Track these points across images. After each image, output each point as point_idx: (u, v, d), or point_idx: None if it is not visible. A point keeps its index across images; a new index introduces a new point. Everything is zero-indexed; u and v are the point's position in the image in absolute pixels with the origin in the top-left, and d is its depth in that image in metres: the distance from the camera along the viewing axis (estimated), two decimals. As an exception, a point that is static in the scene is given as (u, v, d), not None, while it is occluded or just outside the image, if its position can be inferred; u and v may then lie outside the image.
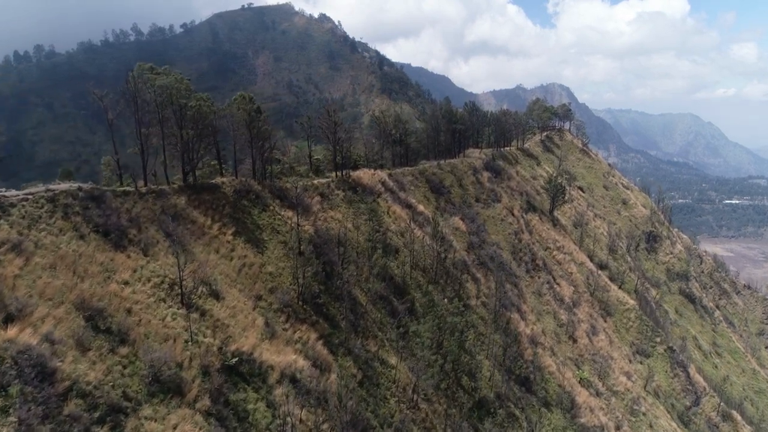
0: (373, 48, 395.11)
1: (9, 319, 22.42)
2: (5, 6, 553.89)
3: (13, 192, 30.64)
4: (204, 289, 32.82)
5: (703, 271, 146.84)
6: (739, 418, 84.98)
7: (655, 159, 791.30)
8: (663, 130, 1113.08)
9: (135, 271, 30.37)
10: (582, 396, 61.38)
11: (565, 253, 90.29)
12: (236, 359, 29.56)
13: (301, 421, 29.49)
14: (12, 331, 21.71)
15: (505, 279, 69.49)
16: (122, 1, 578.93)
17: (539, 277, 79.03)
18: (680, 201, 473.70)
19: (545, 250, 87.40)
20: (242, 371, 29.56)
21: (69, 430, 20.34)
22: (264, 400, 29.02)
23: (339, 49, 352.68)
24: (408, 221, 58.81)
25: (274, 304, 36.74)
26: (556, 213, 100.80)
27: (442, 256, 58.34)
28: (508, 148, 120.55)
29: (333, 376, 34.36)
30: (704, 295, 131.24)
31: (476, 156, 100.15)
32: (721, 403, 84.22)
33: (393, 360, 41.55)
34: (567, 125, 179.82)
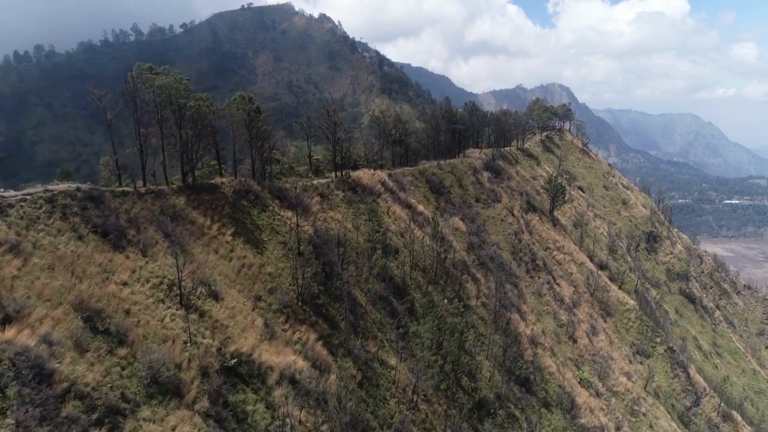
0: (373, 48, 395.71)
1: (7, 320, 22.33)
2: (5, 6, 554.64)
3: (12, 192, 30.53)
4: (203, 290, 32.74)
5: (703, 272, 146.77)
6: (739, 418, 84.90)
7: (655, 159, 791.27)
8: (663, 130, 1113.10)
9: (134, 272, 30.28)
10: (582, 396, 61.31)
11: (565, 254, 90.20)
12: (235, 360, 29.47)
13: (300, 422, 29.41)
14: (10, 333, 21.61)
15: (505, 279, 69.41)
16: (122, 1, 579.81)
17: (539, 278, 78.95)
18: (680, 201, 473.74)
19: (545, 251, 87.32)
20: (241, 372, 29.48)
21: (67, 432, 20.24)
22: (263, 401, 28.94)
23: (339, 49, 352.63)
24: (408, 221, 58.72)
25: (273, 304, 36.65)
26: (556, 213, 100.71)
27: (442, 256, 58.26)
28: (508, 148, 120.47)
29: (332, 377, 34.30)
30: (704, 295, 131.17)
31: (476, 156, 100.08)
32: (722, 404, 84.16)
33: (393, 361, 41.46)
34: (567, 125, 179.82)
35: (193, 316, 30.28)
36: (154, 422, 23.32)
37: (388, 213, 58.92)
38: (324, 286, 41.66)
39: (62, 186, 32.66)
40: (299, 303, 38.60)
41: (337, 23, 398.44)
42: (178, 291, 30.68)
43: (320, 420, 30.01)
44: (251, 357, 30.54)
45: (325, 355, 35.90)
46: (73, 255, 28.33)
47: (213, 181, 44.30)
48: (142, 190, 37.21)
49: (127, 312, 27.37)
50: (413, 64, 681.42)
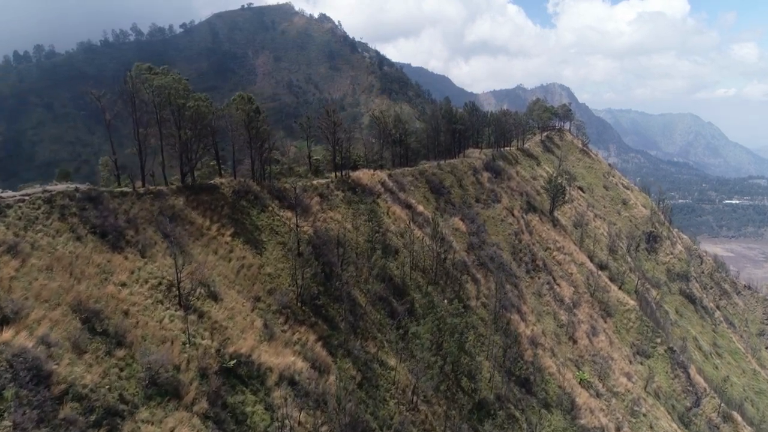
0: (373, 48, 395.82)
1: (4, 322, 22.21)
2: (5, 6, 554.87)
3: (10, 193, 30.44)
4: (202, 291, 32.62)
5: (703, 272, 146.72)
6: (739, 419, 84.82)
7: (655, 159, 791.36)
8: (663, 130, 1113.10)
9: (132, 273, 30.18)
10: (582, 397, 61.22)
11: (565, 254, 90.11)
12: (234, 361, 29.36)
13: (299, 423, 29.29)
14: (7, 334, 21.49)
15: (505, 280, 69.30)
16: (122, 1, 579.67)
17: (539, 278, 78.86)
18: (680, 201, 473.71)
19: (545, 251, 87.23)
20: (240, 373, 29.37)
21: (64, 434, 20.12)
22: (262, 403, 28.83)
23: (339, 49, 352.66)
24: (408, 222, 58.62)
25: (272, 305, 36.54)
26: (556, 213, 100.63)
27: (442, 256, 58.16)
28: (508, 149, 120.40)
29: (332, 378, 34.16)
30: (704, 295, 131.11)
31: (476, 156, 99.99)
32: (722, 404, 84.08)
33: (392, 361, 41.35)
34: (567, 125, 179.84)
35: (192, 317, 30.16)
36: (152, 424, 23.19)
37: (387, 213, 58.83)
38: (323, 287, 41.55)
39: (61, 186, 32.57)
40: (299, 304, 38.49)
41: (337, 23, 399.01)
42: (177, 292, 30.56)
43: (320, 421, 29.91)
44: (250, 358, 30.43)
45: (324, 355, 35.78)
46: (72, 256, 28.23)
47: (212, 182, 44.20)
48: (141, 190, 37.11)
49: (126, 313, 27.26)
50: (413, 64, 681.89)
